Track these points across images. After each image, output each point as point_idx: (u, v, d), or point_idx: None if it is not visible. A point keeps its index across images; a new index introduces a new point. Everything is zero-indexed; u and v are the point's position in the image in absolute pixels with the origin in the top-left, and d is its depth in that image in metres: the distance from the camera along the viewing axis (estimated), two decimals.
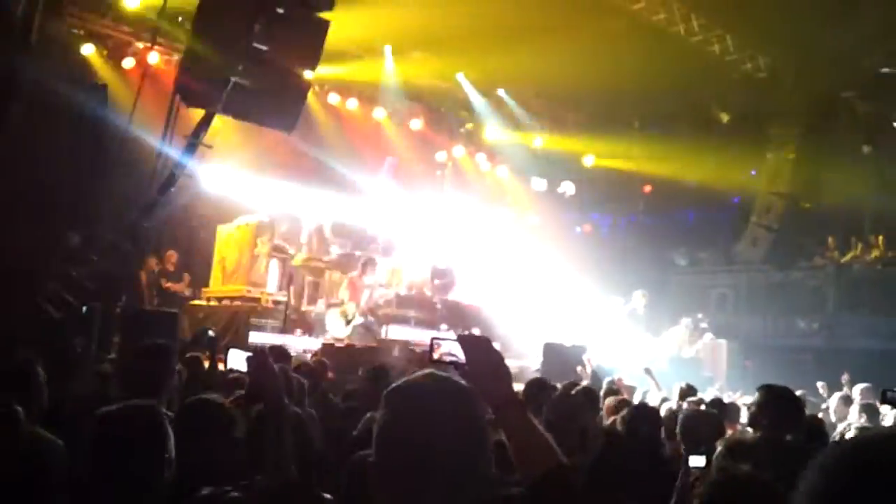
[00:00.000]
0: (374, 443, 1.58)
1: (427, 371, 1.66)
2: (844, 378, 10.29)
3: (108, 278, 8.94)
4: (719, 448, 3.68)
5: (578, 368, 9.28)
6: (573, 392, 5.66)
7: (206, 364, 6.64)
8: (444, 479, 1.50)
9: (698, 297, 16.61)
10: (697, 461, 3.93)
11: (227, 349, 4.38)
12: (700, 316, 14.41)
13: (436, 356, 1.93)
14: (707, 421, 4.78)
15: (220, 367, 6.36)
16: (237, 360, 3.55)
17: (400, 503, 1.54)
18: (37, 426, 3.77)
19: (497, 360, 1.82)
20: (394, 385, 1.63)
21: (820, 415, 7.56)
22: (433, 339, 1.98)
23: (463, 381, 1.69)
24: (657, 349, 13.17)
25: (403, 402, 1.58)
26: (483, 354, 1.82)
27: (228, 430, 3.34)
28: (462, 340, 1.85)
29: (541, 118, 17.76)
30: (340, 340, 11.45)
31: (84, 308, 7.71)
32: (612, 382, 8.87)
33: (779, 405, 4.42)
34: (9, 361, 4.47)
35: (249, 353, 3.44)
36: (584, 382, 7.70)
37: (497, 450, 1.68)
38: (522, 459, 1.73)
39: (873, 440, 0.99)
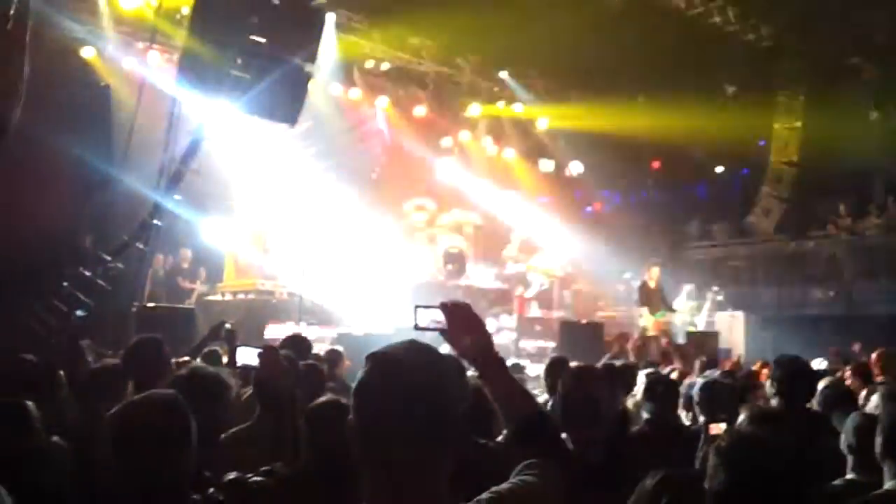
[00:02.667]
0: (352, 403, 1.66)
1: (408, 339, 1.73)
2: (856, 347, 10.23)
3: (122, 278, 8.97)
4: (742, 416, 3.64)
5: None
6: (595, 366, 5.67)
7: (225, 359, 6.64)
8: (415, 436, 1.59)
9: (713, 270, 16.53)
10: (718, 429, 3.90)
11: (240, 346, 4.41)
12: (716, 289, 14.33)
13: (420, 324, 2.06)
14: (725, 390, 4.76)
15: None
16: (248, 356, 3.58)
17: (375, 459, 1.62)
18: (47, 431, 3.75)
19: (476, 323, 2.01)
20: (374, 350, 1.70)
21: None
22: (416, 307, 2.07)
23: (443, 348, 1.81)
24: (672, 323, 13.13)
25: (380, 365, 1.65)
26: (463, 319, 2.00)
27: (224, 396, 3.40)
28: (444, 307, 2.02)
29: (545, 98, 17.66)
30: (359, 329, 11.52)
31: (78, 312, 7.73)
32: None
33: (790, 376, 4.44)
34: (26, 365, 4.47)
35: (260, 350, 3.48)
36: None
37: None
38: (504, 408, 1.99)
39: None
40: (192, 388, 3.17)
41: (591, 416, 3.32)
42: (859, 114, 16.33)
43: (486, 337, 2.02)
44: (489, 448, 3.16)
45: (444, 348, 1.96)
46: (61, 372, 4.39)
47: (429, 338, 1.98)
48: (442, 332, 2.01)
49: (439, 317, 2.01)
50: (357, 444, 1.63)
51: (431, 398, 1.61)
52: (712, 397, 4.68)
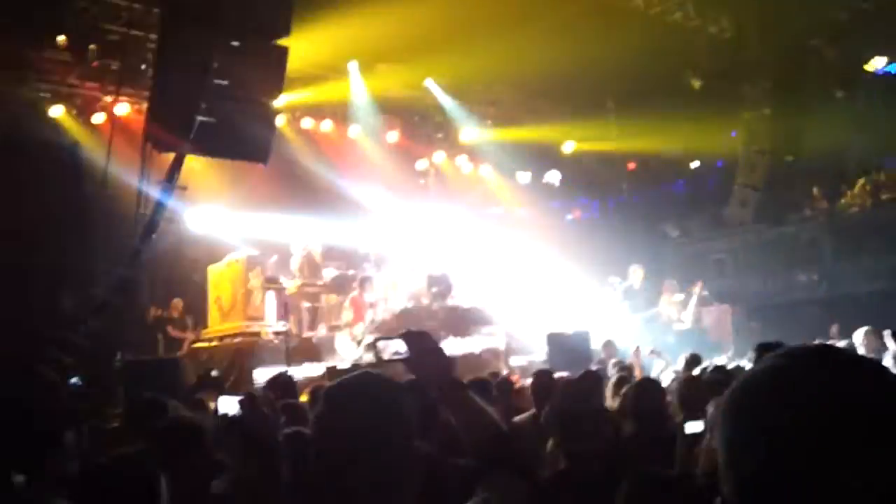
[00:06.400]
0: (312, 435, 1.74)
1: (362, 370, 1.81)
2: (834, 329, 10.23)
3: (102, 335, 8.94)
4: (710, 410, 3.66)
5: (627, 360, 9.23)
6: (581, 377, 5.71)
7: (212, 406, 6.63)
8: (371, 463, 1.62)
9: (696, 266, 16.56)
10: (694, 427, 3.92)
11: (229, 390, 4.41)
12: (700, 284, 14.34)
13: (384, 356, 2.10)
14: (703, 387, 4.78)
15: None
16: (228, 405, 3.59)
17: (336, 489, 1.65)
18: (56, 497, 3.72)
19: (436, 349, 2.10)
20: (330, 383, 1.80)
21: None
22: (377, 338, 2.17)
23: (396, 377, 1.85)
24: (657, 323, 13.17)
25: (331, 399, 1.71)
26: (424, 347, 2.07)
27: (204, 442, 3.40)
28: (404, 337, 2.08)
29: (515, 112, 17.75)
30: (346, 363, 11.46)
31: (73, 380, 7.70)
32: (622, 362, 8.91)
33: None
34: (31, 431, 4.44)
35: (241, 397, 3.48)
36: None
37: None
38: (468, 431, 2.02)
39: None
40: (172, 438, 3.20)
41: (592, 429, 3.32)
42: (826, 95, 16.43)
43: (446, 362, 2.08)
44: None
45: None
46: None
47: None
48: (405, 361, 2.06)
49: (401, 347, 2.07)
50: (318, 475, 1.68)
51: (383, 426, 1.65)
52: (690, 393, 4.71)
